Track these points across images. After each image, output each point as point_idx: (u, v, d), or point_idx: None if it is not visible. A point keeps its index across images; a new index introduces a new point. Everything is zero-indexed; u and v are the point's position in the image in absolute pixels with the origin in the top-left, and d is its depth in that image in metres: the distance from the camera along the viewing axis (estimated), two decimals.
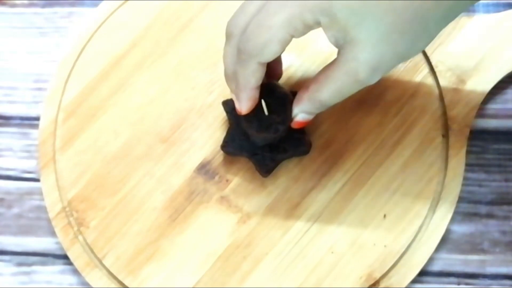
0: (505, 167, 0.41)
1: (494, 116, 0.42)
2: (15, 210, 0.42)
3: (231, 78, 0.35)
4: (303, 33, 0.32)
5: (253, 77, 0.34)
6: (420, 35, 0.31)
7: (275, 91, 0.37)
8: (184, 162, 0.41)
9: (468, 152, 0.41)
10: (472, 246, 0.40)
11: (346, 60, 0.32)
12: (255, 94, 0.35)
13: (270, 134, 0.36)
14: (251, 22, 0.33)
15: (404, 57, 0.32)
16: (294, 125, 0.36)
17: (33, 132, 0.44)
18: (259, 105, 0.37)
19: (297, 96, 0.36)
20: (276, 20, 0.31)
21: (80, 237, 0.40)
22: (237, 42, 0.34)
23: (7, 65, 0.45)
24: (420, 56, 0.42)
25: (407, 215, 0.39)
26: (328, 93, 0.33)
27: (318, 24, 0.31)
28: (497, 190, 0.41)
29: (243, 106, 0.35)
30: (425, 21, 0.30)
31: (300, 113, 0.36)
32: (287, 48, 0.33)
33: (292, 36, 0.32)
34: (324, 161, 0.40)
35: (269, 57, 0.33)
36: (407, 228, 0.39)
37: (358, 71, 0.31)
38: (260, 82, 0.35)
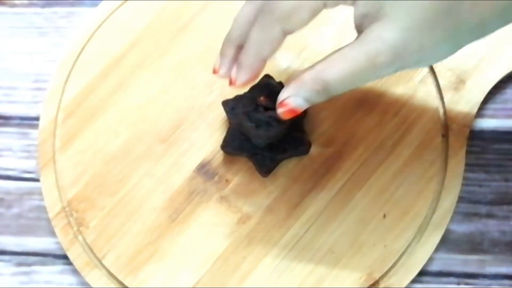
0: (505, 167, 0.41)
1: (494, 116, 0.42)
2: (15, 210, 0.42)
3: (233, 41, 0.33)
4: (336, 3, 0.30)
5: (269, 45, 0.31)
6: (449, 35, 0.29)
7: (273, 87, 0.37)
8: (184, 162, 0.41)
9: (468, 152, 0.41)
10: (472, 246, 0.40)
11: (369, 39, 0.29)
12: (261, 67, 0.32)
13: (272, 131, 0.36)
14: None
15: (425, 56, 0.30)
16: (281, 112, 0.32)
17: (33, 132, 0.44)
18: (258, 104, 0.37)
19: (297, 75, 0.31)
20: None
21: (79, 237, 0.40)
22: (258, 4, 0.31)
23: (7, 65, 0.45)
24: None
25: (407, 215, 0.39)
26: (338, 73, 0.29)
27: None
28: (497, 190, 0.41)
29: (243, 76, 0.32)
30: (459, 21, 0.29)
31: (295, 96, 0.31)
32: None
33: (325, 5, 0.30)
34: (324, 161, 0.40)
35: (295, 25, 0.30)
36: (407, 228, 0.39)
37: (380, 52, 0.29)
38: (272, 54, 0.31)
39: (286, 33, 0.31)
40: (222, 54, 0.33)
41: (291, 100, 0.31)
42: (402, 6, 0.28)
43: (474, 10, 0.29)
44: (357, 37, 0.30)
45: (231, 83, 0.33)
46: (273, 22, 0.30)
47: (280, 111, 0.32)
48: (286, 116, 0.32)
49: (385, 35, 0.29)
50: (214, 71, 0.34)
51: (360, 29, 0.30)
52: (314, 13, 0.30)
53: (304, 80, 0.31)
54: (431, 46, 0.29)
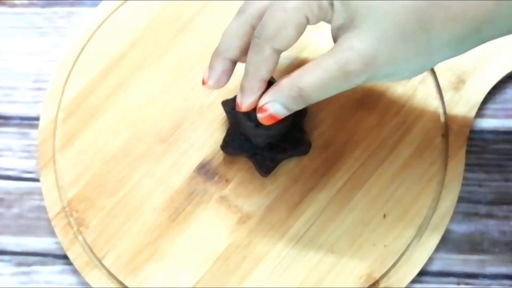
0: (505, 167, 0.41)
1: (494, 116, 0.42)
2: (15, 210, 0.42)
3: (221, 54, 0.34)
4: (317, 18, 0.31)
5: (264, 66, 0.32)
6: (420, 50, 0.30)
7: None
8: (184, 162, 0.41)
9: (468, 152, 0.41)
10: (472, 246, 0.40)
11: (341, 48, 0.30)
12: (262, 87, 0.33)
13: (272, 130, 0.36)
14: (269, 7, 0.32)
15: (396, 69, 0.31)
16: (261, 117, 0.33)
17: (33, 132, 0.44)
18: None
19: (276, 82, 0.33)
20: (292, 1, 0.31)
21: (79, 237, 0.40)
22: (246, 20, 0.33)
23: (7, 65, 0.45)
24: None
25: (407, 215, 0.39)
26: (312, 80, 0.31)
27: (331, 6, 0.31)
28: (497, 190, 0.41)
29: (247, 99, 0.33)
30: (430, 37, 0.30)
31: (273, 101, 0.32)
32: None
33: (307, 20, 0.31)
34: (324, 161, 0.40)
35: (283, 43, 0.32)
36: (407, 228, 0.39)
37: (350, 61, 0.30)
38: (270, 74, 0.33)
39: (277, 51, 0.32)
40: (210, 66, 0.35)
41: (269, 106, 0.32)
42: (374, 18, 0.30)
43: (446, 27, 0.29)
44: (334, 45, 0.31)
45: (238, 107, 0.34)
46: (263, 44, 0.32)
47: (260, 116, 0.33)
48: (266, 122, 0.33)
49: (356, 44, 0.30)
50: (203, 82, 0.35)
51: (336, 40, 0.32)
52: (299, 29, 0.31)
53: (282, 86, 0.32)
54: (403, 60, 0.30)
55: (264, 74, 0.33)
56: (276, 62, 0.33)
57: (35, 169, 0.43)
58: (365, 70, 0.30)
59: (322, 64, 0.31)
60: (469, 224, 0.41)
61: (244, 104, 0.33)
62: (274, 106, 0.32)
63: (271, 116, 0.33)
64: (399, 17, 0.29)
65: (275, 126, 0.36)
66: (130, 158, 0.41)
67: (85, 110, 0.42)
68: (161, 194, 0.40)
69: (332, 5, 0.31)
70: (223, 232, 0.39)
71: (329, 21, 0.32)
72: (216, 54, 0.35)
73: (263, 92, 0.33)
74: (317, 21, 0.32)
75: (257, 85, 0.33)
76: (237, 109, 0.34)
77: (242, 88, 0.34)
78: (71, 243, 0.40)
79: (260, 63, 0.32)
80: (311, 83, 0.31)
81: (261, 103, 0.33)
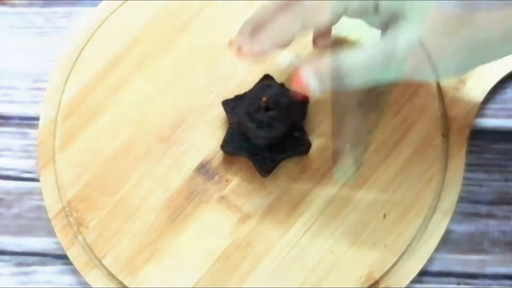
0: (505, 167, 0.41)
1: (494, 116, 0.42)
2: (15, 210, 0.42)
3: (252, 22, 0.35)
4: (356, 12, 0.33)
5: (285, 33, 0.34)
6: (465, 44, 0.31)
7: (274, 88, 0.37)
8: (184, 162, 0.41)
9: (468, 152, 0.41)
10: (472, 246, 0.40)
11: (388, 37, 0.32)
12: (270, 49, 0.34)
13: (273, 132, 0.36)
14: None
15: (442, 64, 0.32)
16: (294, 86, 0.33)
17: (33, 132, 0.44)
18: (259, 105, 0.37)
19: (320, 57, 0.33)
20: None
21: (79, 237, 0.40)
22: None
23: (7, 65, 0.45)
24: None
25: (407, 215, 0.39)
26: (353, 61, 0.32)
27: (375, 4, 0.32)
28: (497, 190, 0.41)
29: (249, 48, 0.34)
30: (473, 31, 0.31)
31: (312, 72, 0.32)
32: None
33: (345, 10, 0.32)
34: (324, 161, 0.40)
35: (315, 22, 0.33)
36: (407, 228, 0.39)
37: (395, 49, 0.31)
38: (283, 45, 0.34)
39: (305, 28, 0.33)
40: (239, 32, 0.36)
41: (305, 77, 0.32)
42: (421, 10, 0.31)
43: (487, 23, 0.31)
44: (380, 38, 0.33)
45: (238, 49, 0.34)
46: (297, 14, 0.33)
47: (293, 85, 0.33)
48: (296, 88, 0.33)
49: (403, 35, 0.31)
50: (230, 43, 0.35)
51: (382, 33, 0.33)
52: (335, 15, 0.33)
53: (323, 62, 0.32)
54: (447, 53, 0.31)
55: (280, 40, 0.34)
56: (296, 38, 0.34)
57: (35, 169, 0.43)
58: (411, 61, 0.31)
59: (368, 48, 0.32)
60: (469, 224, 0.41)
61: (244, 49, 0.34)
62: (310, 78, 0.32)
63: (303, 88, 0.33)
64: (445, 10, 0.30)
65: (276, 128, 0.36)
66: (130, 158, 0.41)
67: (85, 110, 0.42)
68: (161, 194, 0.40)
69: (376, 2, 0.32)
70: (222, 232, 0.39)
71: (367, 18, 0.33)
72: (247, 20, 0.36)
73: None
74: (356, 15, 0.33)
75: (267, 44, 0.34)
76: (235, 51, 0.34)
77: (253, 37, 0.34)
78: (71, 243, 0.40)
79: (283, 29, 0.33)
80: (352, 63, 0.32)
81: (299, 71, 0.33)
